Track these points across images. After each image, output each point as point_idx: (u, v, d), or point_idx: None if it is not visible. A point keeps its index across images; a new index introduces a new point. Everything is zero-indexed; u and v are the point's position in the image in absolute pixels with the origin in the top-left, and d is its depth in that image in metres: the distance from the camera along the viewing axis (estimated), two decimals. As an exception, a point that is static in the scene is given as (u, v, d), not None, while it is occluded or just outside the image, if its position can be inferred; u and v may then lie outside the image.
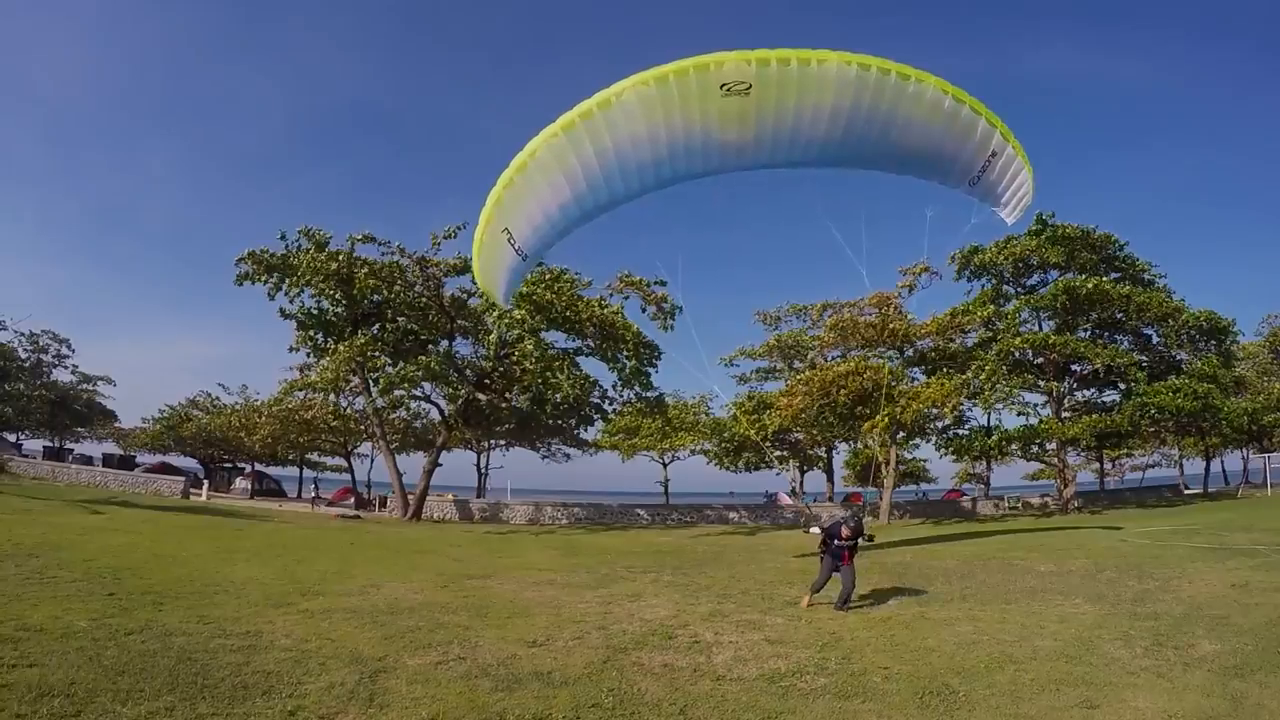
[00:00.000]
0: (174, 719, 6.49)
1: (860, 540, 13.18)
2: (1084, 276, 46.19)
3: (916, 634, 10.71)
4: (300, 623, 10.77)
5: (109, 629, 9.42)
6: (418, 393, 44.36)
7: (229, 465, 71.84)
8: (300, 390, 43.17)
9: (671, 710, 7.24)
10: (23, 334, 59.27)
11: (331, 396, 44.24)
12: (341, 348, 37.70)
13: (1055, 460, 50.11)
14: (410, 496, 43.36)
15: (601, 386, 42.01)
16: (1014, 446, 49.54)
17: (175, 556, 17.23)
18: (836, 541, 12.73)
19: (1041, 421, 47.75)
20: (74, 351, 62.79)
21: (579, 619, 11.99)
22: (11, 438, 66.38)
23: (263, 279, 38.57)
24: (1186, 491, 62.24)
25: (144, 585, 12.86)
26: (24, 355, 59.52)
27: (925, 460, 70.59)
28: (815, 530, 13.47)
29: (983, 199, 12.35)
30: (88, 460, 61.43)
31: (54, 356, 61.50)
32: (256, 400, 58.27)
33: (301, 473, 73.51)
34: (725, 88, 9.94)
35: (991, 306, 47.98)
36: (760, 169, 12.11)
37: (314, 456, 70.80)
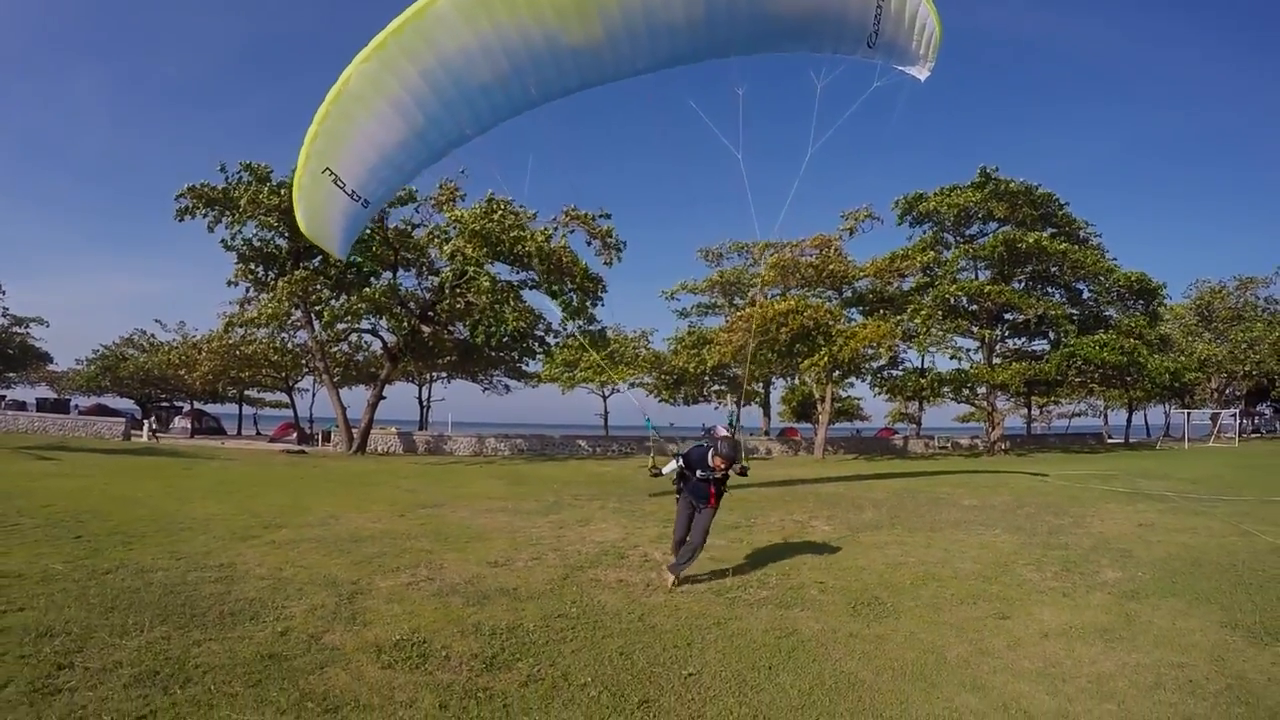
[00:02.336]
0: (172, 647, 6.70)
1: (733, 473, 9.76)
2: (1023, 230, 47.41)
3: (849, 555, 11.49)
4: (270, 553, 11.09)
5: (86, 570, 9.58)
6: (363, 325, 44.47)
7: (166, 404, 71.03)
8: (241, 326, 42.86)
9: (631, 618, 7.86)
10: None
11: (274, 331, 44.05)
12: (282, 283, 37.62)
13: (985, 404, 51.79)
14: (354, 431, 43.60)
15: (545, 320, 42.61)
16: (946, 389, 51.33)
17: (131, 498, 17.31)
18: (700, 473, 9.41)
19: (973, 366, 49.32)
20: (4, 293, 61.22)
21: (534, 542, 12.51)
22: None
23: (203, 213, 38.12)
24: (1109, 441, 64.76)
25: (108, 527, 12.99)
26: None
27: (860, 399, 72.41)
28: (670, 469, 10.02)
29: (888, 59, 10.24)
30: (20, 405, 60.03)
31: None
32: (195, 336, 57.65)
33: (241, 409, 73.01)
34: None
35: (931, 253, 49.01)
36: (627, 77, 10.37)
37: (254, 393, 70.34)
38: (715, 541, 12.42)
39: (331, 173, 9.91)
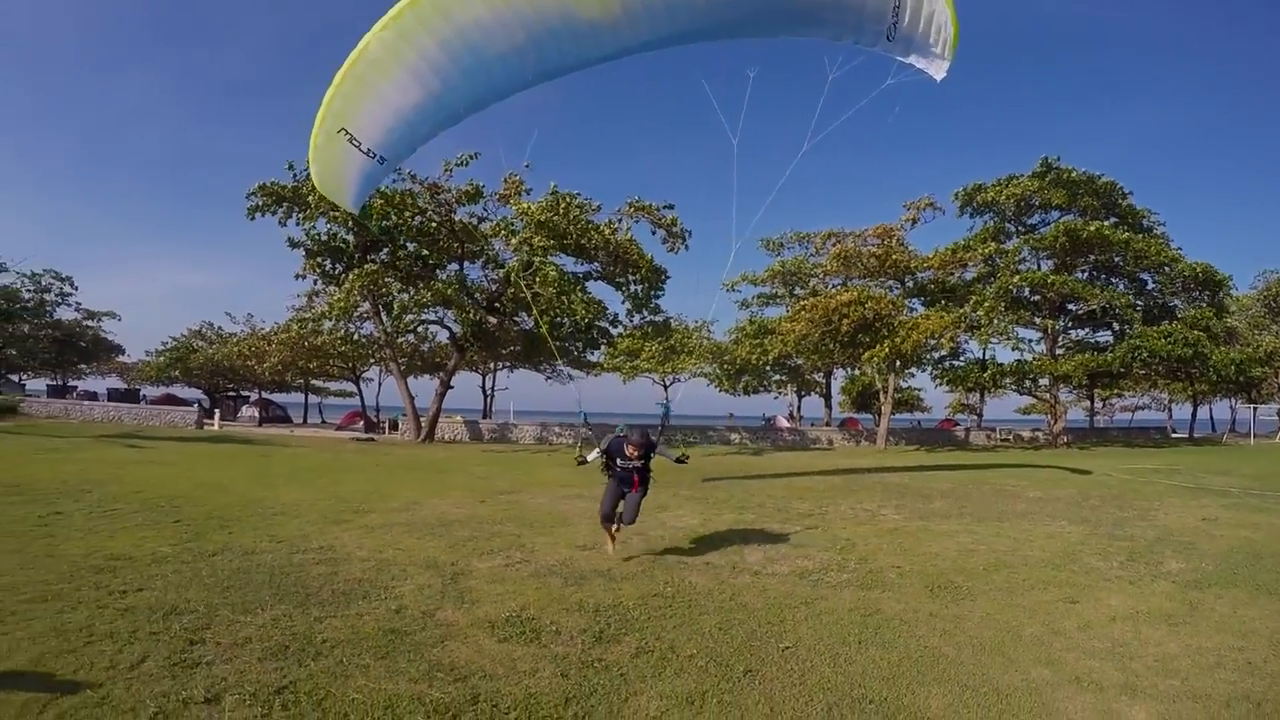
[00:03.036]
0: (295, 623, 7.08)
1: (671, 460, 11.02)
2: (1084, 220, 46.69)
3: (921, 542, 11.90)
4: (365, 537, 11.53)
5: (192, 552, 10.00)
6: (431, 316, 44.89)
7: (233, 394, 72.81)
8: (313, 321, 43.78)
9: (723, 597, 8.30)
10: (25, 275, 59.35)
11: (343, 324, 44.87)
12: (353, 276, 38.33)
13: (1047, 396, 51.27)
14: (422, 419, 44.46)
15: (611, 310, 42.77)
16: (1007, 380, 50.46)
17: (217, 484, 17.83)
18: (620, 461, 10.33)
19: (1035, 357, 48.69)
20: (77, 289, 62.81)
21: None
22: (14, 378, 67.25)
23: (272, 210, 39.11)
24: (1173, 435, 63.70)
25: (203, 512, 13.46)
26: (27, 296, 59.64)
27: (920, 389, 71.86)
28: (592, 457, 10.87)
29: (906, 55, 9.82)
30: (92, 396, 61.94)
31: (57, 295, 61.69)
32: (263, 328, 59.02)
33: (306, 398, 74.50)
34: None
35: (993, 244, 48.38)
36: (646, 50, 10.26)
37: (319, 382, 71.79)
38: (791, 528, 12.99)
39: (346, 132, 10.03)
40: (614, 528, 10.53)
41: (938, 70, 9.63)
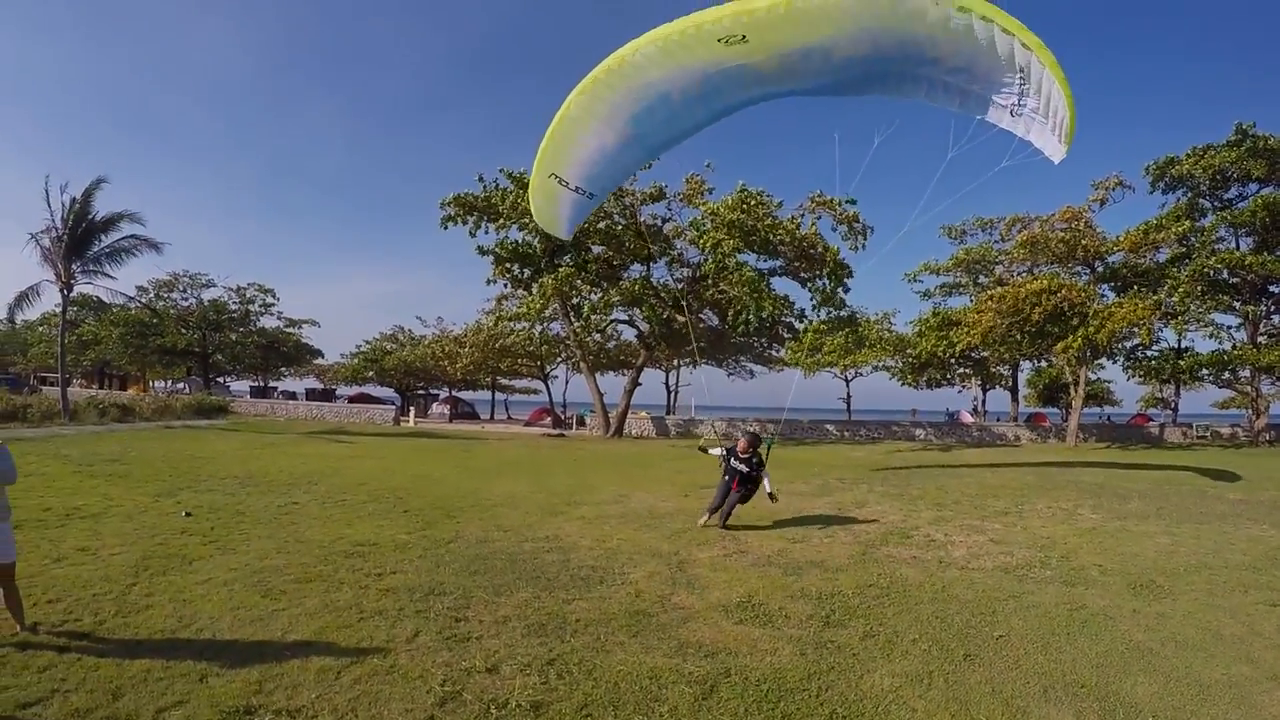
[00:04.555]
0: (546, 604, 7.89)
1: (760, 480, 12.83)
2: (1286, 192, 43.67)
3: (1121, 542, 12.16)
4: (585, 527, 12.50)
5: (429, 540, 11.04)
6: (620, 316, 46.09)
7: (424, 392, 76.80)
8: (510, 321, 45.91)
9: (934, 589, 8.99)
10: (231, 289, 66.26)
11: (534, 325, 46.79)
12: (547, 280, 39.85)
13: (1248, 389, 48.26)
14: (611, 415, 45.96)
15: (798, 306, 42.73)
16: (1205, 372, 47.57)
17: (430, 476, 19.24)
18: (732, 462, 12.83)
19: (1235, 346, 45.96)
20: (278, 300, 68.66)
21: (821, 522, 13.65)
22: (220, 380, 73.62)
23: (463, 220, 41.15)
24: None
25: (426, 502, 14.73)
26: (233, 307, 66.15)
27: (1110, 382, 68.49)
28: (714, 451, 13.62)
29: (1026, 134, 9.72)
30: (292, 396, 68.35)
31: (260, 306, 67.76)
32: (452, 331, 62.15)
33: (494, 396, 77.74)
34: (722, 40, 9.54)
35: (1187, 222, 44.97)
36: (802, 95, 11.16)
37: (506, 380, 74.93)
38: (991, 525, 13.51)
39: (556, 176, 11.80)
40: (710, 516, 13.05)
41: (1056, 151, 9.44)
